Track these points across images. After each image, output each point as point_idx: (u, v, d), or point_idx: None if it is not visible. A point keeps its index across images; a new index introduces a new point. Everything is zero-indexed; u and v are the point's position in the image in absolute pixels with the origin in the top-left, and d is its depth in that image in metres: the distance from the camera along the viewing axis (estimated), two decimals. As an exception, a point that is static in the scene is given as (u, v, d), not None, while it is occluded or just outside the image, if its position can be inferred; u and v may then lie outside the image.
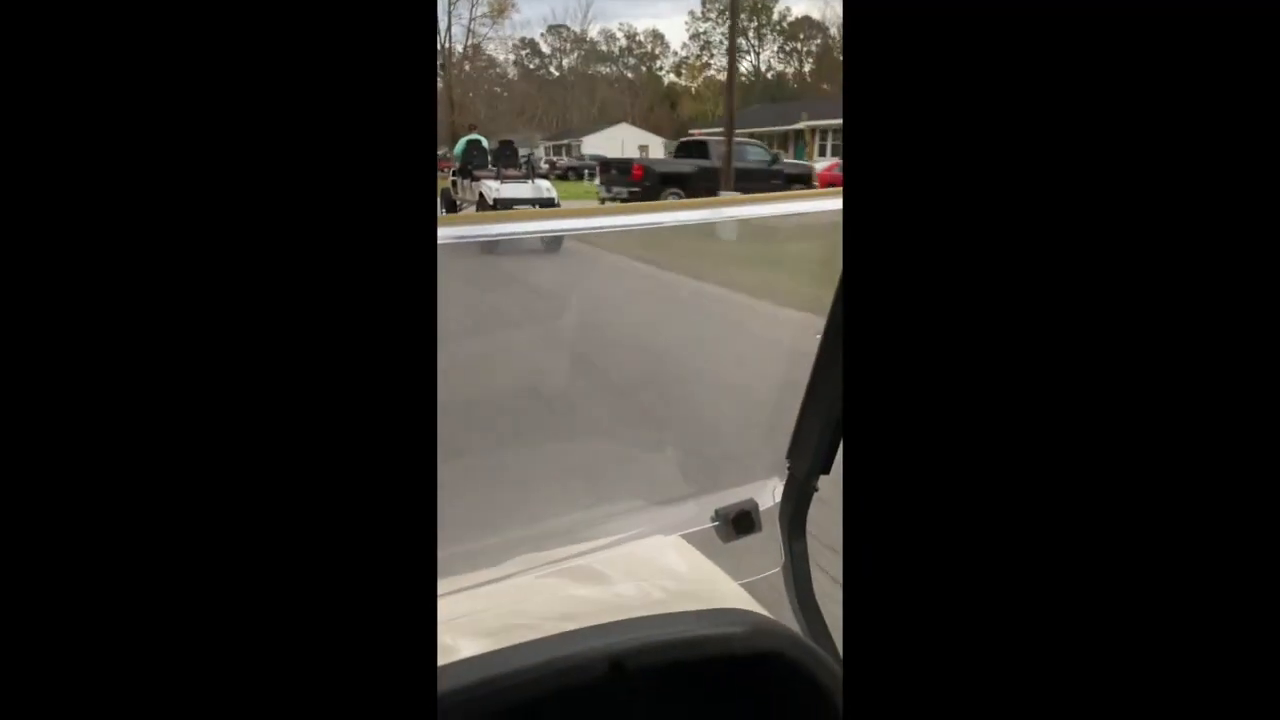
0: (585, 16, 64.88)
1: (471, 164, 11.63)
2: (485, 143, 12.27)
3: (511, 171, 11.33)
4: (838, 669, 0.67)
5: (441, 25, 45.81)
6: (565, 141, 45.02)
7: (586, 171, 28.25)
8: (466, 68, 51.88)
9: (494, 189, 10.53)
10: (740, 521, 0.91)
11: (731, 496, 0.93)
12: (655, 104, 49.23)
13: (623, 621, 0.63)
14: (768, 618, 0.67)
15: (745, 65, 52.26)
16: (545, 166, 24.83)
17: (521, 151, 13.63)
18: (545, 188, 10.97)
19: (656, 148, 38.70)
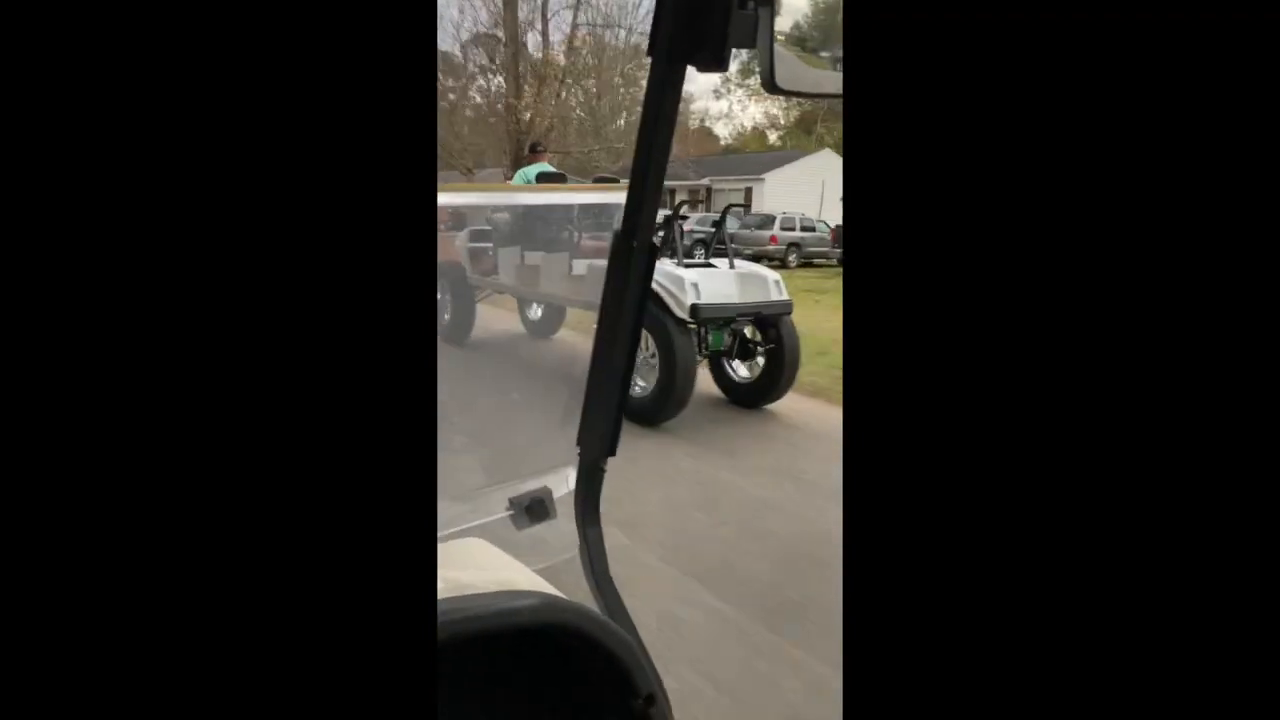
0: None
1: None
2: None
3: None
4: (630, 639, 0.67)
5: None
6: (699, 182, 27.15)
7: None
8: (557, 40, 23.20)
9: (685, 280, 4.56)
10: (534, 509, 0.93)
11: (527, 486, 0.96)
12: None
13: None
14: (557, 595, 0.67)
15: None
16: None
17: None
18: (773, 282, 4.89)
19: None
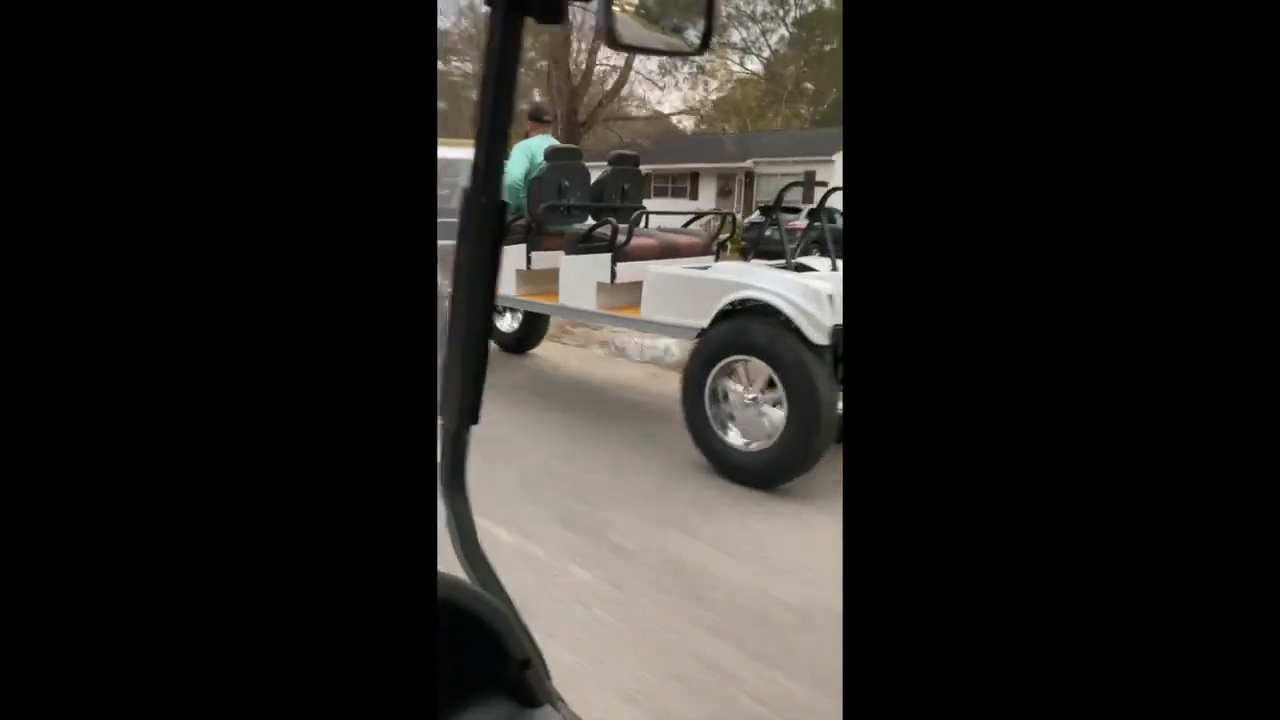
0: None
1: (568, 204, 4.28)
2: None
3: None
4: (503, 606, 0.69)
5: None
6: (739, 165, 21.36)
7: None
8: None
9: (820, 293, 2.90)
10: None
11: None
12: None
13: None
14: None
15: (754, 63, 25.38)
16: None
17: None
18: None
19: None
